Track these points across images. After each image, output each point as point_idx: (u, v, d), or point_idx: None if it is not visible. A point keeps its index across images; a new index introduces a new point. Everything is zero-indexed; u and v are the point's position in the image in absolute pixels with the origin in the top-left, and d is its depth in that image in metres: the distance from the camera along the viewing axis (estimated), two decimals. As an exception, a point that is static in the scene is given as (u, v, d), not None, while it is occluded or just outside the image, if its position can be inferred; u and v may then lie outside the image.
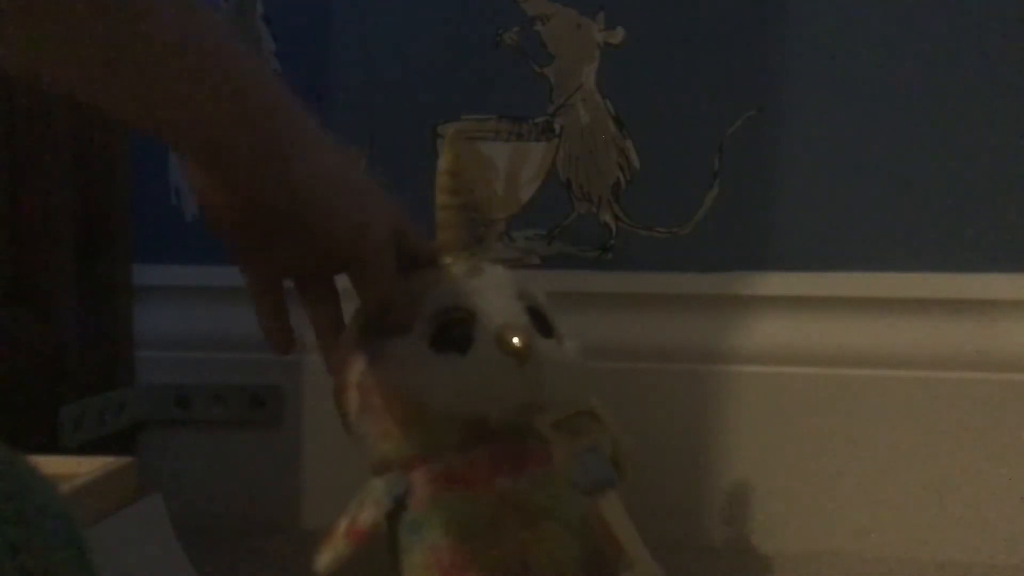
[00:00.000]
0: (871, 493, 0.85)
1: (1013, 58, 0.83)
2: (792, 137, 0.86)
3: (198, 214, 0.94)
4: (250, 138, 0.47)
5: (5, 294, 0.77)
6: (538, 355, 0.57)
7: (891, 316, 0.85)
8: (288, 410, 0.91)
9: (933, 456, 0.84)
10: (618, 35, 0.87)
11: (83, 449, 0.80)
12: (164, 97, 0.43)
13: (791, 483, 0.86)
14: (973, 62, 0.83)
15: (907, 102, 0.85)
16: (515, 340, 0.56)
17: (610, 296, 0.89)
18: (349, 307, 0.58)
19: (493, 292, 0.60)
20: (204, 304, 0.93)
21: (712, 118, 0.87)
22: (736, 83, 0.87)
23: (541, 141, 0.89)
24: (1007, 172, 0.84)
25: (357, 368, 0.60)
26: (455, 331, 0.58)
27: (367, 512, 0.58)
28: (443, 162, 0.63)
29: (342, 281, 0.55)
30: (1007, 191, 0.84)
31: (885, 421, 0.85)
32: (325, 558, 0.58)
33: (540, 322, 0.61)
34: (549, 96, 0.89)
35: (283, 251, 0.54)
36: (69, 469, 0.62)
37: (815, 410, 0.86)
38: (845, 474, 0.85)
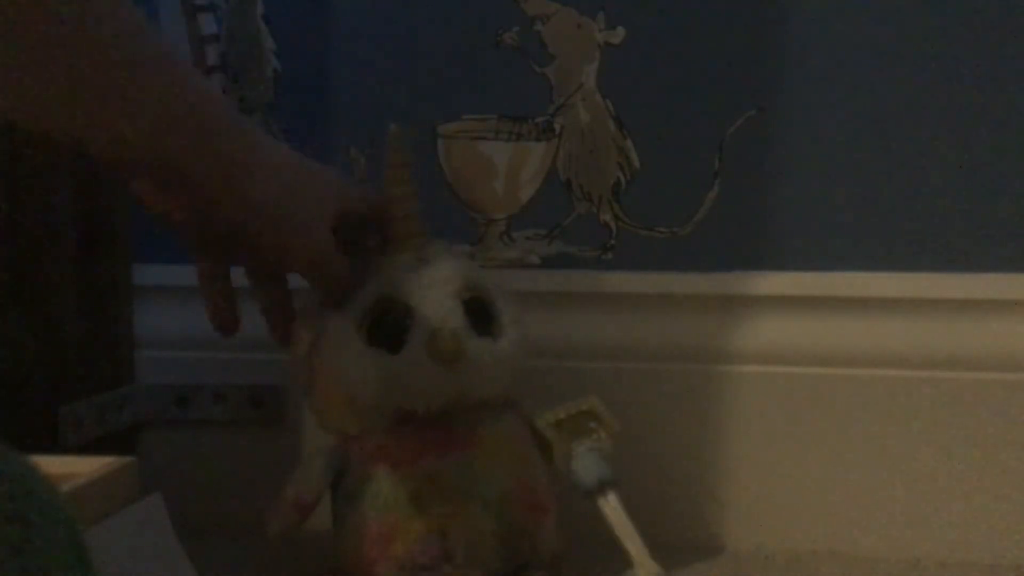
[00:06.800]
0: (871, 493, 0.85)
1: (1014, 58, 0.83)
2: (792, 137, 0.86)
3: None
4: (204, 159, 0.48)
5: (5, 294, 0.77)
6: (466, 358, 0.62)
7: (891, 316, 0.85)
8: (288, 410, 0.91)
9: (933, 456, 0.84)
10: (618, 35, 0.87)
11: (83, 449, 0.79)
12: (117, 118, 0.44)
13: (791, 483, 0.86)
14: (973, 62, 0.83)
15: (907, 102, 0.84)
16: (445, 345, 0.61)
17: (610, 296, 0.89)
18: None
19: (433, 287, 0.64)
20: (204, 304, 0.93)
21: (712, 118, 0.87)
22: (736, 83, 0.87)
23: (541, 141, 0.89)
24: (1007, 172, 0.84)
25: (306, 341, 0.65)
26: (389, 325, 0.63)
27: (310, 485, 0.66)
28: (389, 157, 0.68)
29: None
30: (1007, 191, 0.84)
31: (885, 421, 0.85)
32: (275, 526, 0.66)
33: (480, 316, 0.66)
34: (549, 96, 0.89)
35: (235, 253, 0.57)
36: (69, 469, 0.62)
37: (815, 410, 0.86)
38: (844, 474, 0.85)
